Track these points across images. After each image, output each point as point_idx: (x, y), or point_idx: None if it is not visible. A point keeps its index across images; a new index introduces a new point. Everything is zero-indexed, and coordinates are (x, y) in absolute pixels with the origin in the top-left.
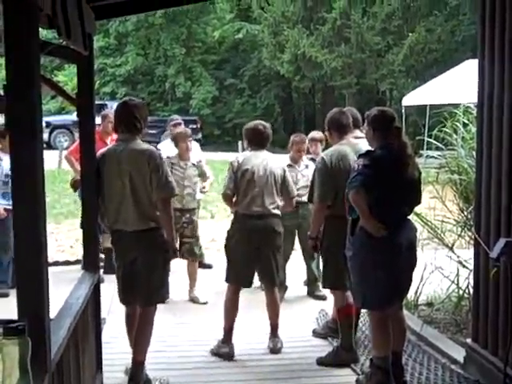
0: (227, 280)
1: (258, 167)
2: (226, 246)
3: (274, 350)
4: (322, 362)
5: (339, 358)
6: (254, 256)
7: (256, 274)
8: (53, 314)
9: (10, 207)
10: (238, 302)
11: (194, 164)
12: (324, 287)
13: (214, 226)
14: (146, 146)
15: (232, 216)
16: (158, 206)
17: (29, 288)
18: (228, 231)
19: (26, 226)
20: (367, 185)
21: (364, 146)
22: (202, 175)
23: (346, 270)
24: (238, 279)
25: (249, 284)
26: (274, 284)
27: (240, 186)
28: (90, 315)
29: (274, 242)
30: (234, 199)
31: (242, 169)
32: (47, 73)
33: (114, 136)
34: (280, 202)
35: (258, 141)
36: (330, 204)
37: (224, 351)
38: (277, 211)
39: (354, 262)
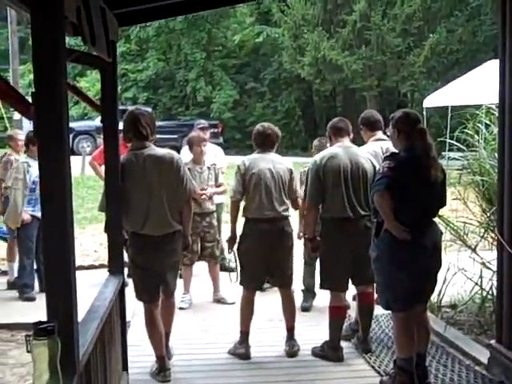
0: (241, 283)
1: (265, 170)
2: (237, 250)
3: (291, 353)
4: (314, 352)
5: (325, 355)
6: (265, 259)
7: (269, 276)
8: (78, 317)
9: (35, 213)
10: (254, 303)
11: (208, 167)
12: (321, 288)
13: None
14: (165, 150)
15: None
16: (184, 206)
17: (58, 290)
18: (240, 236)
19: (55, 230)
20: (392, 187)
21: (359, 149)
22: (216, 179)
23: (344, 272)
24: (250, 282)
25: (260, 286)
26: (289, 285)
27: (248, 190)
28: (115, 317)
29: (286, 243)
30: (241, 205)
31: (250, 173)
32: (70, 79)
33: None
34: (289, 204)
35: (261, 142)
36: (324, 205)
37: (240, 352)
38: (287, 213)
39: (379, 264)
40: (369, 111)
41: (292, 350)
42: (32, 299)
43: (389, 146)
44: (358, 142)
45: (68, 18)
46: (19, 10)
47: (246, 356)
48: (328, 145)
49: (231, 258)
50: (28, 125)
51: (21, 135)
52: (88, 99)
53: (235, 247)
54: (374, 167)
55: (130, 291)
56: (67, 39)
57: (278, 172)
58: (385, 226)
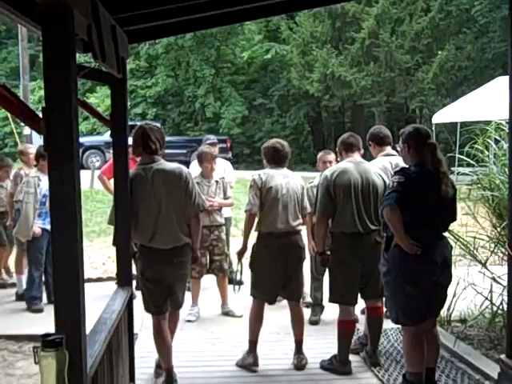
0: (253, 295)
1: (281, 185)
2: (251, 263)
3: (299, 366)
4: (322, 366)
5: (333, 368)
6: (279, 273)
7: (283, 289)
8: (86, 329)
9: (45, 226)
10: (263, 315)
11: (216, 181)
12: (330, 301)
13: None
14: (174, 164)
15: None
16: (192, 220)
17: (66, 302)
18: (253, 248)
19: (64, 243)
20: (401, 202)
21: (370, 165)
22: (224, 192)
23: (353, 286)
24: (264, 295)
25: (274, 300)
26: (299, 298)
27: (264, 203)
28: (123, 330)
29: (300, 258)
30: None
31: (267, 187)
32: (80, 95)
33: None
34: (301, 220)
35: (276, 159)
36: (334, 220)
37: (248, 362)
38: (300, 227)
39: (388, 278)
40: (377, 127)
41: (300, 363)
42: (40, 311)
43: (398, 161)
44: (367, 158)
45: (78, 36)
46: (31, 27)
47: (254, 364)
48: (333, 157)
49: (238, 269)
50: (38, 139)
51: (32, 149)
52: (98, 114)
53: (245, 260)
54: (385, 182)
55: (137, 304)
56: (77, 55)
57: (292, 187)
58: (395, 241)
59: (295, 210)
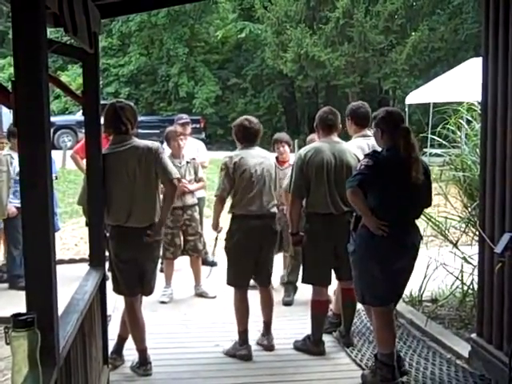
0: (229, 282)
1: (255, 167)
2: (226, 248)
3: (268, 347)
4: (295, 346)
5: (307, 349)
6: (254, 256)
7: (255, 274)
8: (59, 310)
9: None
10: (248, 302)
11: (187, 162)
12: (303, 282)
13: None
14: (146, 141)
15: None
16: (167, 190)
17: (37, 282)
18: (227, 233)
19: (35, 223)
20: (366, 185)
21: (347, 145)
22: (195, 174)
23: (326, 267)
24: (239, 280)
25: (248, 284)
26: (270, 282)
27: (238, 186)
28: (96, 311)
29: (273, 241)
30: (229, 200)
31: (240, 170)
32: (51, 72)
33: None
34: (276, 201)
35: (245, 137)
36: (307, 200)
37: (242, 353)
38: (274, 210)
39: (355, 258)
40: (360, 104)
41: (270, 344)
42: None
43: (374, 143)
44: (342, 136)
45: (49, 8)
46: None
47: (248, 357)
48: (314, 136)
49: (214, 243)
50: (9, 115)
51: None
52: (69, 91)
53: (223, 244)
54: None
55: (110, 285)
56: (48, 32)
57: (267, 169)
58: (362, 221)
59: (270, 191)
